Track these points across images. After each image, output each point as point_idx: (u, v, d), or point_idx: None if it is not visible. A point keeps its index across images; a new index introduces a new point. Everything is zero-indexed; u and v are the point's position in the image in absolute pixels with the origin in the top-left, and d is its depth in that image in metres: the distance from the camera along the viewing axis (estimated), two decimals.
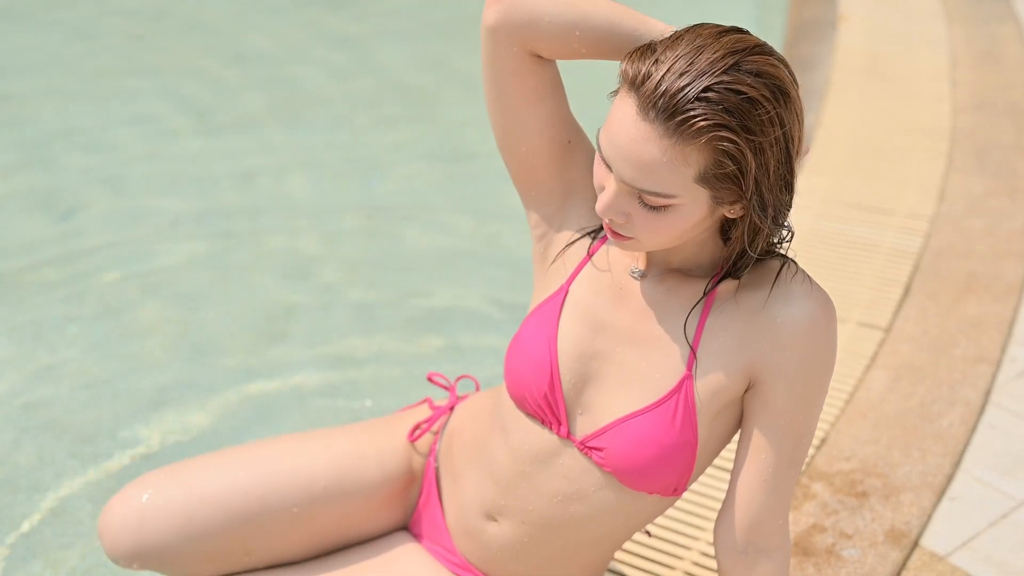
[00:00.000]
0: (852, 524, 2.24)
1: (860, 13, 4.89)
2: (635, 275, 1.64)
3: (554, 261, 1.74)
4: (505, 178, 1.81)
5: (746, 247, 1.52)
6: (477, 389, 1.97)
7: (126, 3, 5.60)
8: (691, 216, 1.45)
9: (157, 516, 1.83)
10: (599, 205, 1.47)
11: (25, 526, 2.45)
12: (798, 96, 1.45)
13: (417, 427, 1.93)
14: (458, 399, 1.94)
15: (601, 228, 1.69)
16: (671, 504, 1.72)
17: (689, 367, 1.57)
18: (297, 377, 2.90)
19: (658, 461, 1.60)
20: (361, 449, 1.91)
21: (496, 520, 1.77)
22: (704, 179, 1.40)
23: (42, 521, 2.46)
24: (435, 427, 1.94)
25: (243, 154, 4.07)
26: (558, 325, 1.67)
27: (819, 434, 2.47)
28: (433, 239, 3.56)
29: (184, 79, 4.68)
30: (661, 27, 1.53)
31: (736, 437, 1.68)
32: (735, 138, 1.36)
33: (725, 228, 1.57)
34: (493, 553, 1.79)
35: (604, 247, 1.69)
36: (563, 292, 1.69)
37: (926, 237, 3.24)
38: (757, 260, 1.58)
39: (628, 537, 1.77)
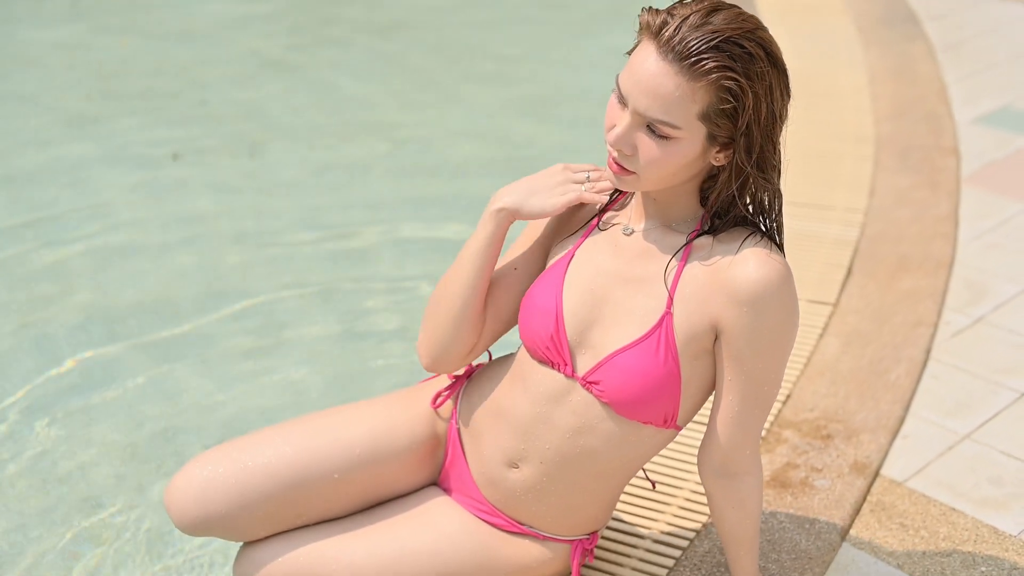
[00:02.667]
0: (821, 460, 2.56)
1: (784, 38, 5.26)
2: (627, 232, 1.95)
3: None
4: None
5: (733, 196, 1.84)
6: (490, 358, 2.23)
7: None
8: (687, 152, 1.76)
9: (216, 489, 2.07)
10: (611, 137, 1.77)
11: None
12: (786, 73, 1.77)
13: (438, 395, 2.21)
14: (473, 367, 2.22)
15: (598, 214, 2.00)
16: (670, 439, 1.99)
17: (668, 306, 1.87)
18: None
19: (646, 391, 1.88)
20: (391, 419, 2.17)
21: (517, 466, 2.04)
22: (705, 116, 1.72)
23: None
24: (455, 393, 2.23)
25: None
26: (563, 279, 1.96)
27: (784, 392, 2.79)
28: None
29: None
30: None
31: None
32: (737, 78, 1.69)
33: (705, 190, 1.89)
34: (518, 497, 2.06)
35: (600, 222, 2.00)
36: (570, 255, 1.99)
37: (862, 227, 3.60)
38: (735, 225, 1.89)
39: (635, 471, 2.05)
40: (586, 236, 1.99)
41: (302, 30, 6.15)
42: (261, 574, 2.12)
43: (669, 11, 1.75)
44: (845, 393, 2.79)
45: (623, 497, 2.45)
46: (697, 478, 2.50)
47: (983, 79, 4.84)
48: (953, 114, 4.45)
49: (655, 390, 1.89)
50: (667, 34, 1.71)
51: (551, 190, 1.97)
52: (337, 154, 4.68)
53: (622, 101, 1.78)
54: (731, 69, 1.69)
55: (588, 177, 1.98)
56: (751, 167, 1.78)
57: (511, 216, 1.97)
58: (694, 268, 1.87)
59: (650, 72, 1.73)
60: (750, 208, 1.86)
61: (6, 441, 2.97)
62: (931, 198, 3.78)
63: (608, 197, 1.98)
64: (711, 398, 1.99)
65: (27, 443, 2.97)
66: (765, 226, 1.89)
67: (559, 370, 1.96)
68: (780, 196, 1.86)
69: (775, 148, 1.80)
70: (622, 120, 1.78)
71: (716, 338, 1.87)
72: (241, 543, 2.17)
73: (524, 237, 2.09)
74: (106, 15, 6.31)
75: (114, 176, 4.42)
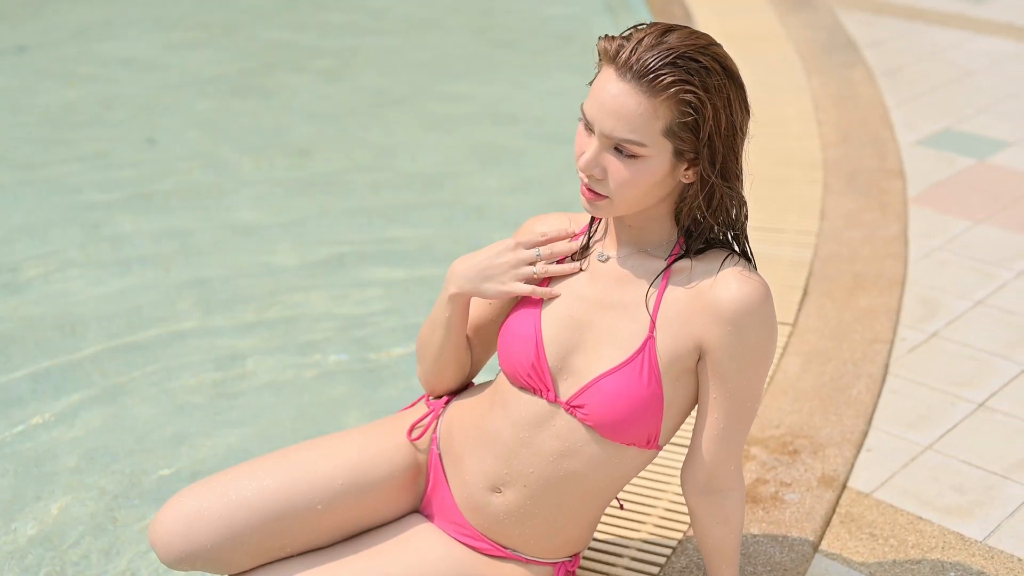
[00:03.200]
0: (789, 475, 2.61)
1: None
2: (602, 259, 2.00)
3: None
4: None
5: (703, 209, 1.88)
6: (470, 385, 2.27)
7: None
8: (656, 170, 1.81)
9: (201, 523, 2.08)
10: (581, 162, 1.83)
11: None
12: (743, 88, 1.84)
13: (415, 425, 2.22)
14: (452, 396, 2.25)
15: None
16: (651, 459, 2.04)
17: (651, 330, 1.92)
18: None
19: (631, 413, 1.93)
20: (371, 449, 2.19)
21: (500, 491, 2.07)
22: (669, 132, 1.78)
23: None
24: (433, 422, 2.24)
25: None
26: (540, 307, 2.01)
27: None
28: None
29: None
30: None
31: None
32: (696, 91, 1.76)
33: (678, 211, 1.95)
34: (501, 521, 2.09)
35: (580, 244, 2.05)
36: (545, 283, 2.03)
37: (815, 248, 3.68)
38: (709, 247, 1.94)
39: (616, 491, 2.08)
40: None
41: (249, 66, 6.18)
42: None
43: (624, 36, 1.82)
44: (809, 409, 2.85)
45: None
46: (669, 497, 2.55)
47: (923, 103, 4.97)
48: (896, 137, 4.57)
49: (639, 412, 1.93)
50: (624, 56, 1.78)
51: (503, 275, 2.02)
52: (291, 191, 4.70)
53: (588, 128, 1.84)
54: (688, 82, 1.76)
55: (539, 254, 2.02)
56: (715, 177, 1.83)
57: (467, 298, 2.06)
58: (675, 291, 1.92)
59: (611, 94, 1.79)
60: (719, 220, 1.91)
61: None
62: (880, 219, 3.87)
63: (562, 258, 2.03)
64: (690, 418, 2.03)
65: None
66: (736, 241, 1.95)
67: (541, 396, 2.00)
68: (745, 205, 1.92)
69: (737, 159, 1.87)
70: (590, 146, 1.83)
71: (699, 358, 1.92)
72: None
73: None
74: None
75: (68, 217, 4.41)
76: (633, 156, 1.81)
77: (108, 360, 3.49)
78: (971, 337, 3.18)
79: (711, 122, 1.79)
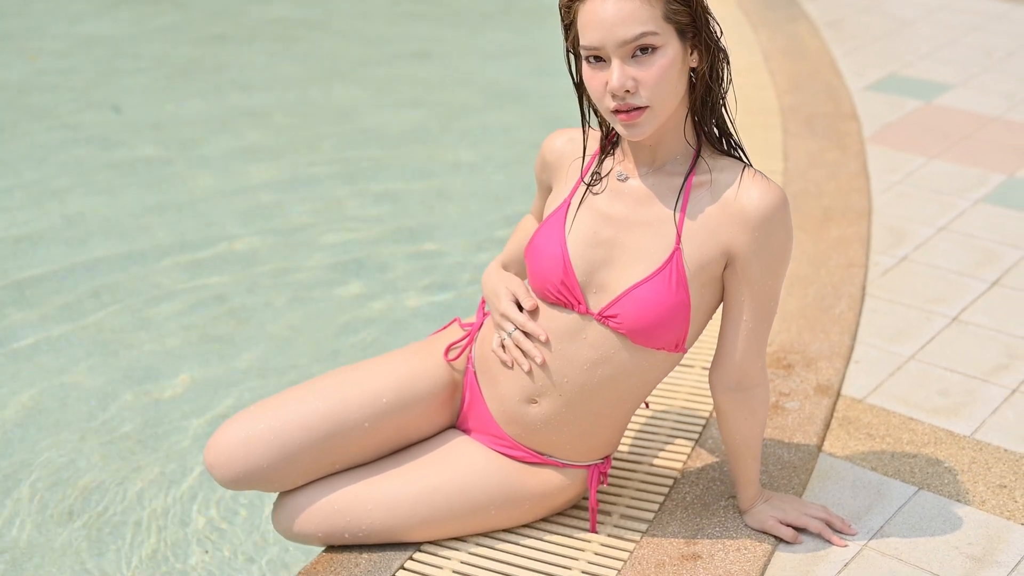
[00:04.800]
0: (787, 386, 2.79)
1: None
2: (621, 179, 2.14)
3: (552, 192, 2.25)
4: None
5: (711, 88, 2.00)
6: None
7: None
8: (673, 56, 1.93)
9: (256, 444, 2.22)
10: (613, 86, 1.93)
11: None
12: None
13: (452, 346, 2.35)
14: (485, 315, 2.38)
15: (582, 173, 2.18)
16: (677, 361, 2.20)
17: (677, 242, 2.07)
18: None
19: (661, 319, 2.09)
20: (412, 368, 2.33)
21: (536, 401, 2.22)
22: (667, 15, 1.91)
23: None
24: (469, 344, 2.36)
25: None
26: (564, 226, 2.15)
27: None
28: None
29: None
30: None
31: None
32: None
33: (692, 105, 2.03)
34: (537, 429, 2.24)
35: (590, 171, 2.19)
36: (566, 203, 2.18)
37: (783, 186, 3.86)
38: (722, 155, 2.09)
39: (646, 394, 2.24)
40: (576, 188, 2.17)
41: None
42: (301, 519, 2.27)
43: None
44: (797, 328, 3.03)
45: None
46: (683, 400, 2.72)
47: (868, 52, 5.19)
48: (847, 84, 4.78)
49: (668, 318, 2.08)
50: None
51: (495, 313, 2.25)
52: (258, 158, 4.80)
53: (598, 59, 1.95)
54: None
55: (510, 334, 2.21)
56: (713, 42, 1.98)
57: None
58: (698, 204, 2.06)
59: (609, 10, 1.90)
60: (724, 93, 2.04)
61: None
62: (841, 158, 4.07)
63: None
64: (710, 323, 2.20)
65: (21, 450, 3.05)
66: (741, 150, 2.11)
67: (573, 309, 2.15)
68: (727, 57, 2.03)
69: (713, 17, 2.01)
70: (611, 69, 1.93)
71: (726, 266, 2.08)
72: (277, 493, 2.32)
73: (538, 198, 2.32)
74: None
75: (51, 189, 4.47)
76: (652, 50, 1.92)
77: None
78: (939, 259, 3.39)
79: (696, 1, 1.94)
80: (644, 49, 1.92)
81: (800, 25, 5.56)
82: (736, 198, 2.04)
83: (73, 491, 2.89)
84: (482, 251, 3.94)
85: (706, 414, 2.69)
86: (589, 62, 1.96)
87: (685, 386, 2.80)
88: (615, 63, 1.93)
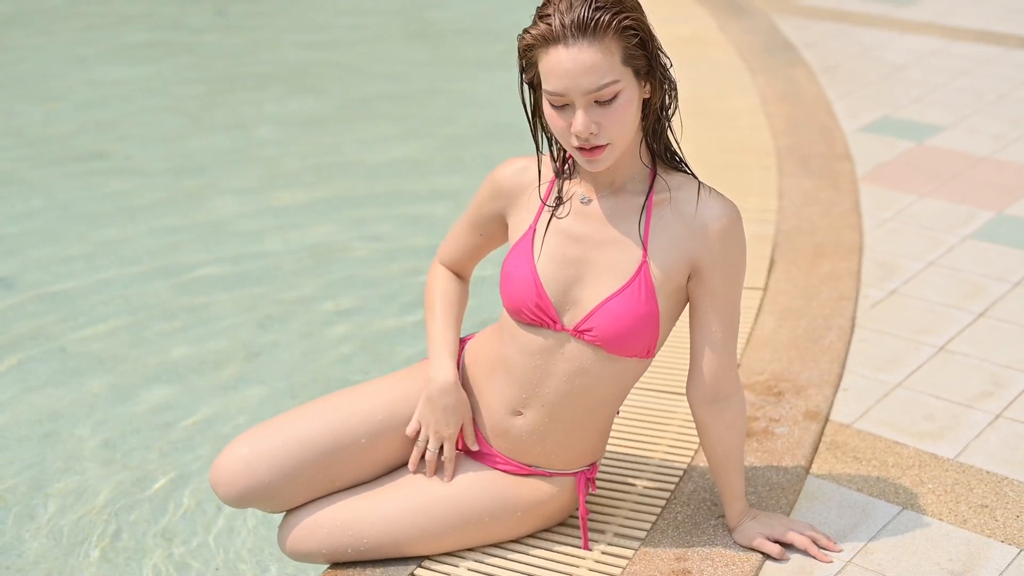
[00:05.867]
0: (777, 412, 2.89)
1: (676, 72, 5.72)
2: (584, 201, 2.25)
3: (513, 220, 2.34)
4: None
5: (660, 115, 2.12)
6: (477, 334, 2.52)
7: None
8: (632, 96, 2.04)
9: (259, 462, 2.33)
10: (579, 129, 2.03)
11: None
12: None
13: None
14: (465, 340, 2.50)
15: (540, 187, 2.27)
16: (647, 366, 2.32)
17: (644, 256, 2.19)
18: None
19: (633, 329, 2.20)
20: (405, 389, 2.44)
21: (521, 413, 2.33)
22: (626, 59, 2.02)
23: None
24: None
25: None
26: (532, 251, 2.25)
27: None
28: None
29: None
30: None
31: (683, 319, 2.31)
32: (628, 14, 2.01)
33: (646, 129, 2.15)
34: (523, 440, 2.35)
35: (551, 196, 2.27)
36: (531, 230, 2.27)
37: (777, 224, 3.97)
38: (673, 170, 2.20)
39: (622, 399, 2.36)
40: (539, 213, 2.27)
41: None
42: (305, 536, 2.37)
43: (541, 16, 2.04)
44: (788, 358, 3.13)
45: (614, 448, 2.74)
46: (676, 428, 2.81)
47: (862, 95, 5.32)
48: (841, 126, 4.90)
49: (640, 328, 2.20)
50: (558, 27, 2.00)
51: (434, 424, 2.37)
52: (268, 199, 4.93)
53: (561, 104, 2.05)
54: (619, 12, 2.01)
55: (432, 451, 2.36)
56: (668, 81, 2.10)
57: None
58: (660, 220, 2.19)
59: (574, 61, 2.00)
60: (671, 114, 2.16)
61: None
62: (835, 196, 4.18)
63: None
64: (684, 340, 2.30)
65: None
66: (686, 165, 2.23)
67: (549, 327, 2.26)
68: (675, 87, 2.13)
69: (663, 52, 2.11)
70: (575, 114, 2.04)
71: (689, 277, 2.20)
72: (283, 514, 2.41)
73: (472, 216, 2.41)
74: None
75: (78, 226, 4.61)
76: (614, 97, 2.03)
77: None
78: (927, 292, 3.49)
79: (649, 37, 2.05)
80: (606, 97, 2.03)
81: (797, 70, 5.70)
82: (697, 214, 2.17)
83: (85, 512, 2.98)
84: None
85: (697, 443, 2.78)
86: (552, 104, 2.07)
87: (679, 415, 2.89)
88: (579, 111, 2.03)
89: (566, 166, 2.26)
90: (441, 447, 2.38)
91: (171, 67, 6.68)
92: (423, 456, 2.40)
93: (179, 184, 5.09)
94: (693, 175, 2.23)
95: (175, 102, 6.12)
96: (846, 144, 4.68)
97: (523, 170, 2.31)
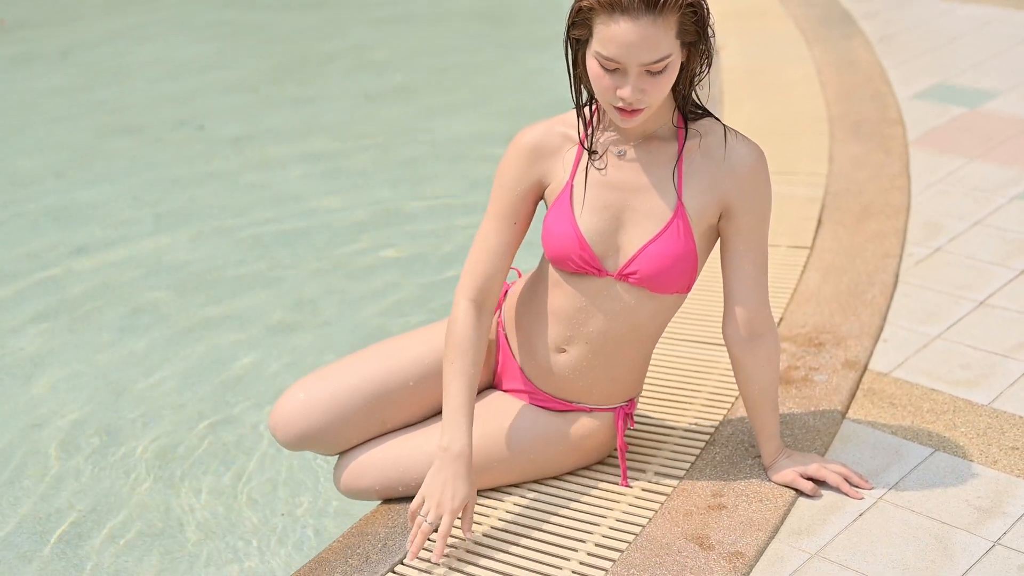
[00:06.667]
0: (816, 361, 2.98)
1: (735, 43, 5.80)
2: (620, 155, 2.35)
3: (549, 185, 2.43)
4: None
5: (693, 79, 2.23)
6: (519, 276, 2.64)
7: None
8: (676, 66, 2.16)
9: (314, 406, 2.47)
10: (629, 96, 2.13)
11: None
12: None
13: None
14: (508, 286, 2.61)
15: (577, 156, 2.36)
16: (683, 300, 2.43)
17: (679, 198, 2.30)
18: None
19: (673, 269, 2.32)
20: None
21: (565, 350, 2.44)
22: (680, 33, 2.12)
23: None
24: (497, 313, 2.60)
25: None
26: (572, 205, 2.35)
27: (776, 313, 3.20)
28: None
29: None
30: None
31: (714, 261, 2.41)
32: None
33: (676, 88, 2.26)
34: (566, 377, 2.47)
35: (583, 153, 2.35)
36: (568, 185, 2.37)
37: (826, 187, 4.05)
38: (698, 118, 2.30)
39: (660, 332, 2.47)
40: (575, 169, 2.36)
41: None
42: (358, 475, 2.51)
43: None
44: (830, 312, 3.22)
45: (657, 396, 2.85)
46: (717, 378, 2.91)
47: (918, 64, 5.35)
48: (895, 92, 4.95)
49: (680, 267, 2.32)
50: (625, 3, 2.08)
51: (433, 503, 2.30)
52: (336, 164, 5.10)
53: (611, 68, 2.13)
54: None
55: (429, 522, 2.28)
56: (711, 47, 2.20)
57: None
58: (692, 165, 2.30)
59: (637, 33, 2.09)
60: (702, 74, 2.24)
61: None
62: (884, 160, 4.25)
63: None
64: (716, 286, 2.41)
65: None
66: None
67: (594, 275, 2.37)
68: (711, 54, 2.23)
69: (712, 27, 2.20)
70: (624, 80, 2.13)
71: (720, 217, 2.32)
72: (336, 456, 2.56)
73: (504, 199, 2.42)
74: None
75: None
76: (664, 68, 2.14)
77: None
78: (971, 250, 3.55)
79: (706, 9, 2.15)
80: (659, 68, 2.13)
81: (853, 41, 5.74)
82: (726, 156, 2.29)
83: (160, 454, 3.16)
84: None
85: (736, 393, 2.87)
86: (603, 66, 2.15)
87: (720, 366, 2.99)
88: (631, 78, 2.13)
89: (594, 118, 2.35)
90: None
91: (242, 45, 6.89)
92: (421, 533, 2.31)
93: (247, 153, 5.27)
94: (716, 118, 2.34)
95: (247, 77, 6.32)
96: (899, 110, 4.74)
97: (546, 132, 2.38)
